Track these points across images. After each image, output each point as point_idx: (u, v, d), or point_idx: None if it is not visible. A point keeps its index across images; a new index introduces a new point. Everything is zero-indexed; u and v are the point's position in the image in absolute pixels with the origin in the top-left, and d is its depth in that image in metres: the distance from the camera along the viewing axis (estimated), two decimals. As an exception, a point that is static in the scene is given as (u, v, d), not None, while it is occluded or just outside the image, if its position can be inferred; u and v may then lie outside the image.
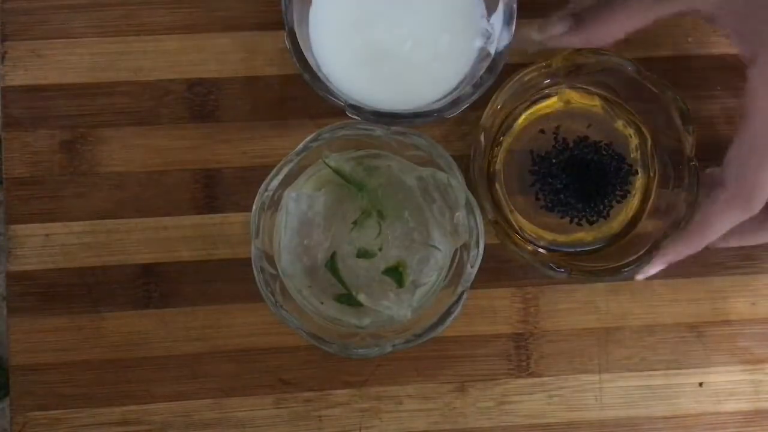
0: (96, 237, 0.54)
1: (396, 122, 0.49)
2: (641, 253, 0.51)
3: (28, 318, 0.54)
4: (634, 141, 0.54)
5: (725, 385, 0.56)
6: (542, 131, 0.54)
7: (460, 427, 0.55)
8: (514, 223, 0.54)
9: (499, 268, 0.55)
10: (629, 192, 0.54)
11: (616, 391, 0.56)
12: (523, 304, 0.55)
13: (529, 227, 0.54)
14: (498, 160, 0.54)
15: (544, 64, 0.50)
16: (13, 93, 0.55)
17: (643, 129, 0.54)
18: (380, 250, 0.50)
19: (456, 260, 0.50)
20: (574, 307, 0.56)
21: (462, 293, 0.48)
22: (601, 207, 0.54)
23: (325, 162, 0.50)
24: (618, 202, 0.54)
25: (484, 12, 0.51)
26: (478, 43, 0.51)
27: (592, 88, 0.54)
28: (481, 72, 0.49)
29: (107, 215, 0.55)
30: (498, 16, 0.50)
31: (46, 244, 0.54)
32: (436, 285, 0.51)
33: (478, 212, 0.48)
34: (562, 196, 0.53)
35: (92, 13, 0.55)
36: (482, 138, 0.51)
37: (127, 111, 0.55)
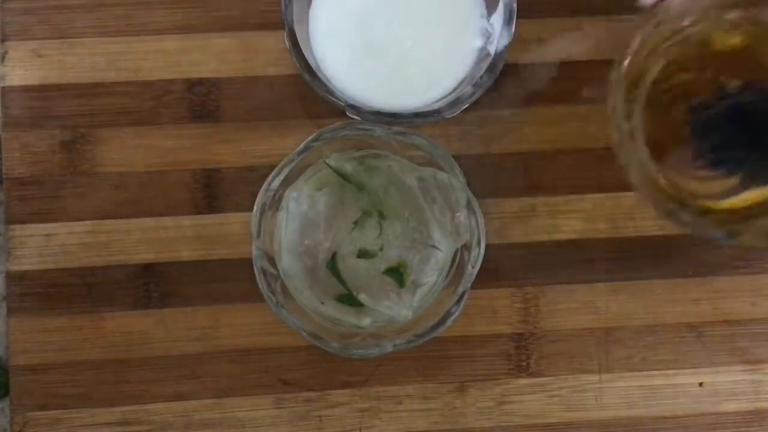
0: (96, 237, 0.54)
1: (396, 122, 0.49)
2: None
3: (28, 318, 0.54)
4: None
5: (725, 385, 0.56)
6: (703, 77, 0.47)
7: (460, 427, 0.55)
8: (667, 186, 0.47)
9: (499, 268, 0.55)
10: None
11: (616, 391, 0.56)
12: (523, 304, 0.55)
13: (687, 188, 0.48)
14: (639, 117, 0.47)
15: None
16: (13, 93, 0.55)
17: None
18: (381, 250, 0.50)
19: (457, 260, 0.51)
20: (574, 307, 0.56)
21: (463, 293, 0.48)
22: None
23: (325, 162, 0.50)
24: None
25: (484, 12, 0.51)
26: (478, 43, 0.51)
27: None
28: (481, 72, 0.49)
29: (107, 215, 0.55)
30: (498, 16, 0.50)
31: (46, 244, 0.54)
32: (436, 285, 0.51)
33: (479, 212, 0.48)
34: (726, 151, 0.47)
35: (92, 13, 0.55)
36: (619, 93, 0.44)
37: (127, 111, 0.55)
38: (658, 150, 0.47)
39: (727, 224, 0.46)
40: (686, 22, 0.45)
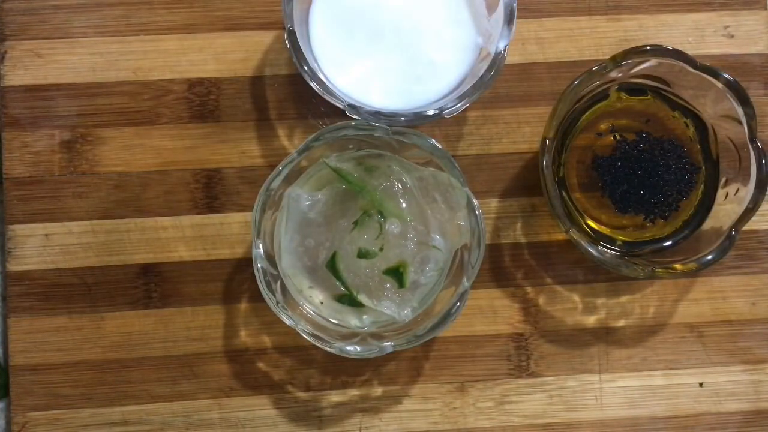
0: (96, 237, 0.54)
1: (396, 122, 0.49)
2: (720, 240, 0.50)
3: (28, 318, 0.54)
4: (692, 130, 0.53)
5: (725, 385, 0.56)
6: (600, 134, 0.54)
7: (460, 427, 0.55)
8: (588, 229, 0.54)
9: (499, 268, 0.55)
10: (696, 182, 0.53)
11: (616, 391, 0.56)
12: (523, 304, 0.55)
13: (604, 230, 0.54)
14: (564, 168, 0.54)
15: (597, 66, 0.50)
16: (13, 93, 0.55)
17: (701, 117, 0.53)
18: (381, 250, 0.50)
19: (457, 261, 0.51)
20: (574, 307, 0.56)
21: (463, 294, 0.48)
22: (671, 200, 0.53)
23: (325, 162, 0.50)
24: (685, 196, 0.53)
25: (485, 12, 0.51)
26: (479, 42, 0.52)
27: (644, 83, 0.53)
28: (482, 72, 0.49)
29: (107, 215, 0.55)
30: (498, 16, 0.50)
31: (46, 244, 0.54)
32: (436, 285, 0.51)
33: (479, 212, 0.48)
34: (631, 194, 0.53)
35: (92, 13, 0.55)
36: (547, 151, 0.50)
37: (127, 111, 0.55)
38: (582, 199, 0.54)
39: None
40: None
